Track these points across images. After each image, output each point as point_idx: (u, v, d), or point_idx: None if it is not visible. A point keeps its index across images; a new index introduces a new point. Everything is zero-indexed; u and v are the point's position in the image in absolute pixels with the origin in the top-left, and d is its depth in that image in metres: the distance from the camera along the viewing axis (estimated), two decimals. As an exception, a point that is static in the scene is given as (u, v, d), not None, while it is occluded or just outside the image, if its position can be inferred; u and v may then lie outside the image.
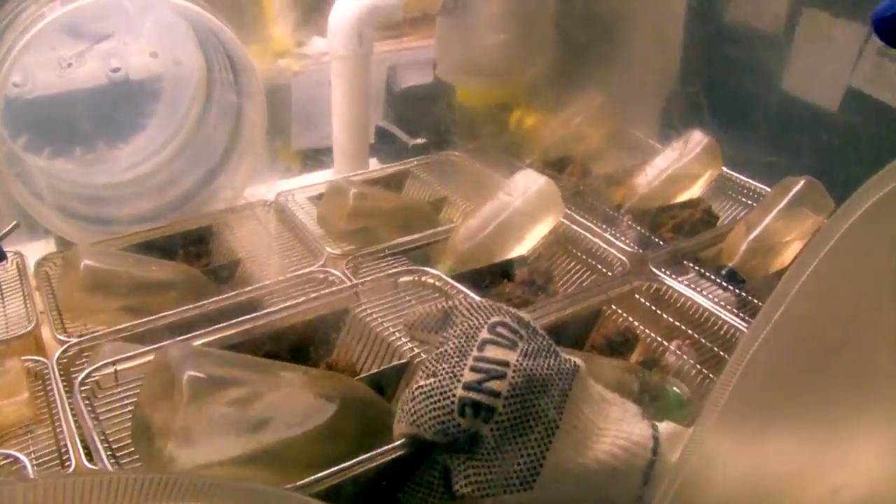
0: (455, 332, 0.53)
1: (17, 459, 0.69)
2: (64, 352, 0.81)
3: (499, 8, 1.38)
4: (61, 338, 0.83)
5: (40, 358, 0.81)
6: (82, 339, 0.83)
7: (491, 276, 1.04)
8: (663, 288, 0.97)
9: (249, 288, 0.93)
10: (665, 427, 0.57)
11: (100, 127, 1.21)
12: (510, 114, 1.44)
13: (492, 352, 0.52)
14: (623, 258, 1.02)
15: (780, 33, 1.31)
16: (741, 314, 0.92)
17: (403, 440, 0.53)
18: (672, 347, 0.91)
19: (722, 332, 0.91)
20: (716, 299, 0.94)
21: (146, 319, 0.85)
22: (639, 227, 1.11)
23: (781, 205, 1.08)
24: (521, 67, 1.39)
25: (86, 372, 0.68)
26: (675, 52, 1.43)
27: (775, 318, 0.46)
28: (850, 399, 0.49)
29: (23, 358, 0.80)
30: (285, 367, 0.64)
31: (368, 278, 0.81)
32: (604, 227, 1.09)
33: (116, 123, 1.23)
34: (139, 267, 0.90)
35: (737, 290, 0.98)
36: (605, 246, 1.05)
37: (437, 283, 0.80)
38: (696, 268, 1.01)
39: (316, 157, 1.58)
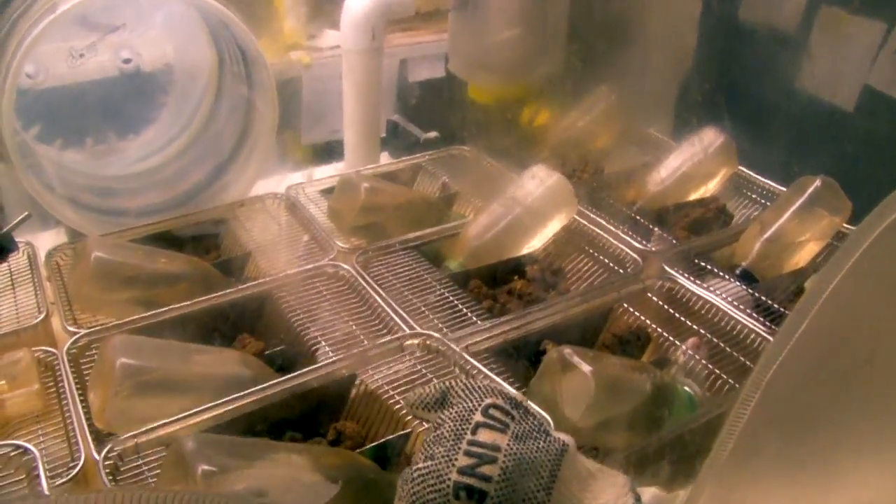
0: (451, 413, 0.57)
1: (27, 450, 0.69)
2: (74, 343, 0.81)
3: (511, 4, 1.37)
4: (71, 329, 0.83)
5: (50, 349, 0.81)
6: (92, 330, 0.83)
7: (502, 273, 1.03)
8: (676, 287, 0.96)
9: (260, 280, 0.92)
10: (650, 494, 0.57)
11: (111, 118, 1.21)
12: (522, 110, 1.43)
13: (484, 435, 0.55)
14: (636, 256, 1.01)
15: (796, 32, 1.30)
16: (754, 314, 0.91)
17: None
18: (687, 346, 0.90)
19: (735, 332, 0.90)
20: (729, 298, 0.94)
21: (156, 312, 0.85)
22: (652, 226, 1.10)
23: (796, 204, 1.07)
24: (534, 64, 1.38)
25: (108, 447, 0.68)
26: (690, 50, 1.42)
27: (791, 342, 0.45)
28: (874, 416, 0.48)
29: (33, 349, 0.80)
30: (291, 448, 0.68)
31: (377, 344, 0.82)
32: (616, 224, 1.08)
33: (127, 115, 1.23)
34: (149, 259, 0.90)
35: (750, 290, 0.97)
36: (617, 244, 1.04)
37: (440, 348, 0.80)
38: (709, 267, 1.00)
39: (326, 150, 1.58)
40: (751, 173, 1.24)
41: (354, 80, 1.25)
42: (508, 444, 0.54)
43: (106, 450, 0.68)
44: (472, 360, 0.78)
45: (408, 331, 0.85)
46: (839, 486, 0.50)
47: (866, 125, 1.31)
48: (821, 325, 0.46)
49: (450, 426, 0.56)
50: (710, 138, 1.23)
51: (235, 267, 1.00)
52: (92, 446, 0.69)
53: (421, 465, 0.54)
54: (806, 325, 0.46)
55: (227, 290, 0.90)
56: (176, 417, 0.71)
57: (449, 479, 0.53)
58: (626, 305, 0.96)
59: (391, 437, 0.73)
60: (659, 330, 0.93)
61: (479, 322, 0.89)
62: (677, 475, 0.77)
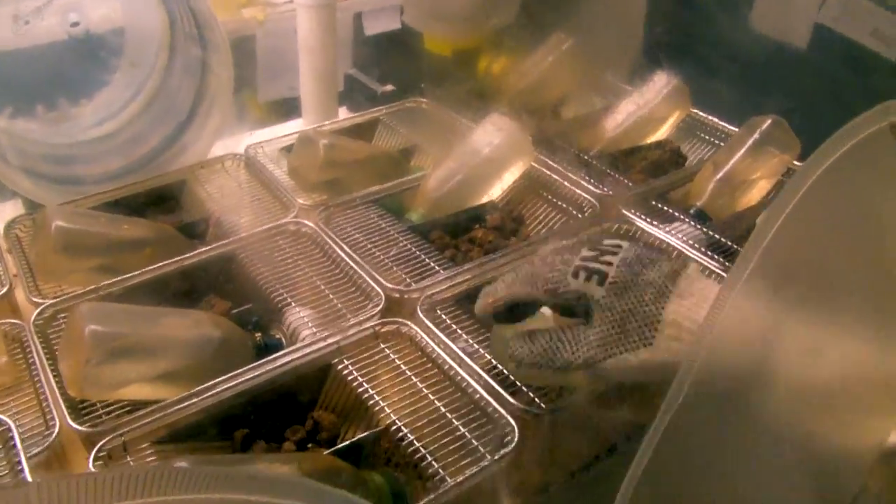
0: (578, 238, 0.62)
1: (0, 422, 0.70)
2: (40, 314, 0.82)
3: (464, -48, 1.37)
4: (36, 300, 0.84)
5: (16, 321, 0.82)
6: (58, 299, 0.84)
7: (463, 222, 1.05)
8: (633, 229, 0.99)
9: (223, 241, 0.93)
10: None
11: (61, 84, 1.19)
12: (478, 60, 1.43)
13: (608, 241, 0.59)
14: (593, 200, 1.03)
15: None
16: (709, 252, 0.94)
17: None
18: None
19: (691, 271, 0.93)
20: (685, 238, 0.96)
21: (122, 278, 0.86)
22: (608, 170, 1.12)
23: (748, 144, 1.09)
24: (489, 12, 1.38)
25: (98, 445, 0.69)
26: (642, -8, 1.43)
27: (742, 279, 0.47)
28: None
29: (-1, 321, 0.80)
30: (273, 458, 0.71)
31: (350, 333, 0.81)
32: (574, 170, 1.09)
33: (78, 80, 1.20)
34: (111, 226, 0.90)
35: (704, 229, 1.00)
36: (575, 189, 1.06)
37: (415, 336, 0.81)
38: (665, 208, 1.03)
39: (284, 107, 1.57)
40: (704, 115, 1.26)
41: (309, 36, 1.25)
42: (629, 245, 0.57)
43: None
44: (444, 353, 0.79)
45: (373, 284, 0.87)
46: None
47: (817, 63, 1.33)
48: (768, 262, 0.49)
49: (576, 240, 0.60)
50: (663, 82, 1.25)
51: (198, 229, 1.00)
52: (67, 414, 0.71)
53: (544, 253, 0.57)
54: (755, 262, 0.48)
55: (192, 253, 0.90)
56: (154, 407, 0.72)
57: (570, 263, 0.55)
58: (585, 250, 0.98)
59: (364, 435, 0.75)
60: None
61: (441, 271, 0.91)
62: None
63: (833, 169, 0.52)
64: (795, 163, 1.11)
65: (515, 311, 0.67)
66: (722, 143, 1.21)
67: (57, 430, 0.70)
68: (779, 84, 1.34)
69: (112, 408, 0.74)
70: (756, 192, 1.09)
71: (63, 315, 0.82)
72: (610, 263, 0.55)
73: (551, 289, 0.56)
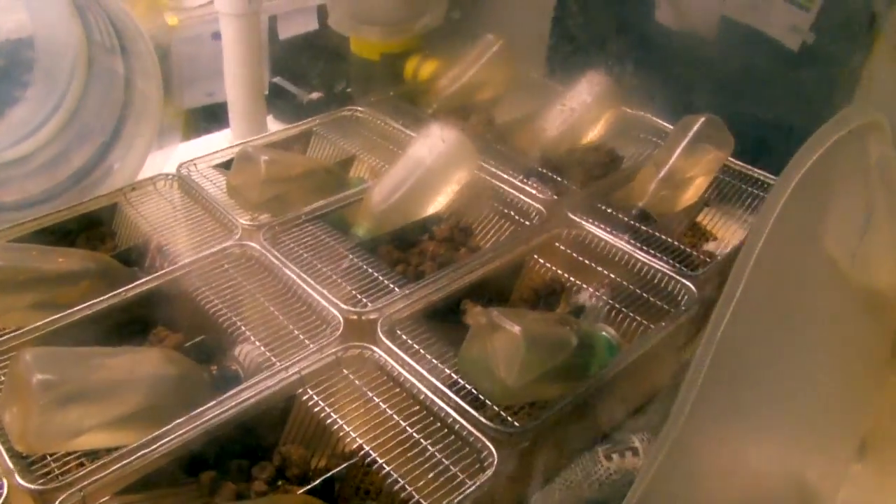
0: None
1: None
2: (-24, 358, 0.76)
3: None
4: (-31, 344, 0.78)
5: (-52, 367, 0.76)
6: (-7, 342, 0.78)
7: (410, 235, 1.03)
8: (582, 234, 0.99)
9: (166, 269, 0.89)
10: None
11: (-34, 102, 1.11)
12: (406, 63, 1.41)
13: None
14: (540, 207, 1.03)
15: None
16: (657, 253, 0.95)
17: None
18: (588, 295, 0.94)
19: (642, 273, 0.94)
20: (630, 239, 0.97)
21: (62, 315, 0.81)
22: (550, 173, 1.12)
23: (684, 143, 1.11)
24: (417, 15, 1.36)
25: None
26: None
27: (737, 295, 0.47)
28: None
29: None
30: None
31: (312, 362, 0.78)
32: (516, 175, 1.09)
33: (-14, 96, 1.13)
34: (44, 258, 0.84)
35: (649, 230, 1.01)
36: (520, 195, 1.05)
37: (379, 360, 0.79)
38: (609, 210, 1.04)
39: (205, 116, 1.52)
40: (632, 112, 1.27)
41: (234, 47, 1.20)
42: None
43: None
44: (410, 376, 0.77)
45: (329, 307, 0.84)
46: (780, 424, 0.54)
47: (728, 55, 1.37)
48: (753, 287, 0.49)
49: None
50: (594, 81, 1.26)
51: (136, 256, 0.95)
52: (15, 472, 0.66)
53: None
54: (742, 287, 0.49)
55: (135, 283, 0.86)
56: (113, 456, 0.68)
57: None
58: (536, 257, 0.98)
59: (337, 469, 0.73)
60: (571, 278, 0.96)
61: (397, 290, 0.89)
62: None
63: (802, 183, 0.53)
64: (730, 159, 1.13)
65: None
66: (654, 139, 1.22)
67: (5, 491, 0.65)
68: (695, 77, 1.36)
69: (66, 460, 0.69)
70: (693, 190, 1.11)
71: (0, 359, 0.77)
72: None
73: None
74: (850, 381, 0.64)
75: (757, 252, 0.50)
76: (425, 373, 0.77)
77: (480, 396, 0.76)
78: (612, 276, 0.95)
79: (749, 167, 1.14)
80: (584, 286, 0.95)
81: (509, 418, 0.74)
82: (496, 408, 0.75)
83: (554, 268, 0.97)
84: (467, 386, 0.77)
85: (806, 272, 0.56)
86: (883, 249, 0.65)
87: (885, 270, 0.66)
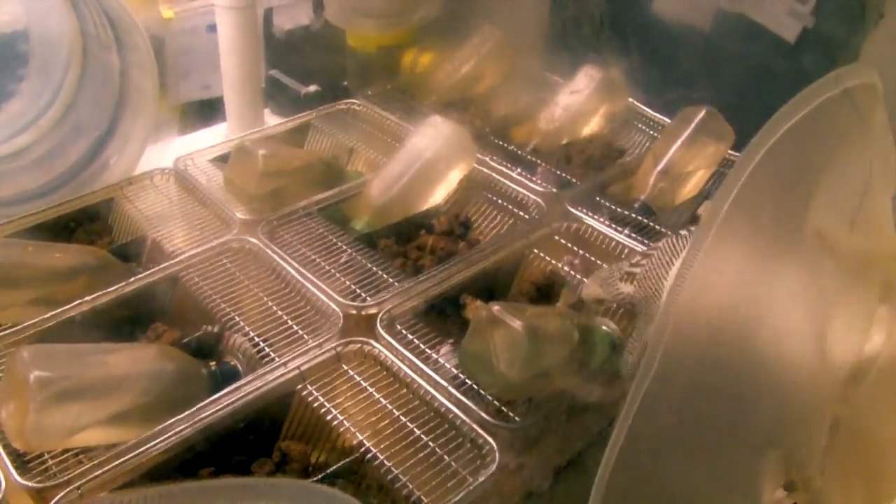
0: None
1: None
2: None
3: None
4: (-33, 341, 0.77)
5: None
6: (-8, 338, 0.77)
7: (409, 229, 1.02)
8: (582, 227, 0.98)
9: (164, 265, 0.88)
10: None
11: (-40, 96, 1.10)
12: (403, 56, 1.40)
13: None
14: (538, 200, 1.02)
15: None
16: (657, 245, 0.94)
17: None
18: (562, 264, 0.95)
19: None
20: (631, 233, 0.97)
21: (59, 311, 0.80)
22: (549, 166, 1.11)
23: (684, 136, 1.10)
24: (414, 7, 1.35)
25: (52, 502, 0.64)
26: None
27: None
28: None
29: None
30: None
31: (311, 357, 0.78)
32: (515, 168, 1.08)
33: (-20, 90, 1.12)
34: (41, 254, 0.84)
35: (650, 223, 1.00)
36: (519, 188, 1.05)
37: (379, 355, 0.79)
38: (609, 204, 1.03)
39: (200, 108, 1.50)
40: (632, 104, 1.26)
41: (231, 40, 1.19)
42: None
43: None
44: (411, 371, 0.76)
45: (328, 302, 0.84)
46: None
47: (727, 46, 1.36)
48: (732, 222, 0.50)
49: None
50: (593, 73, 1.25)
51: (133, 251, 0.95)
52: (13, 470, 0.65)
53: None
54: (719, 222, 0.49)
55: (132, 279, 0.85)
56: (110, 453, 0.67)
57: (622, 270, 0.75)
58: (536, 251, 0.97)
59: (338, 465, 0.72)
60: (571, 272, 0.95)
61: (396, 284, 0.88)
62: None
63: (789, 135, 0.52)
64: (731, 152, 1.13)
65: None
66: (652, 132, 1.22)
67: (3, 488, 0.65)
68: (693, 69, 1.36)
69: (63, 458, 0.69)
70: (694, 184, 1.11)
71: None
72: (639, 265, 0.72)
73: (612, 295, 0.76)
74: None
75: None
76: (425, 368, 0.77)
77: (481, 391, 0.76)
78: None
79: (749, 160, 1.13)
80: (584, 279, 0.94)
81: (510, 413, 0.74)
82: (497, 402, 0.75)
83: (553, 261, 0.96)
84: (468, 381, 0.77)
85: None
86: (881, 216, 0.64)
87: (885, 237, 0.65)
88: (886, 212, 0.65)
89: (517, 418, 0.73)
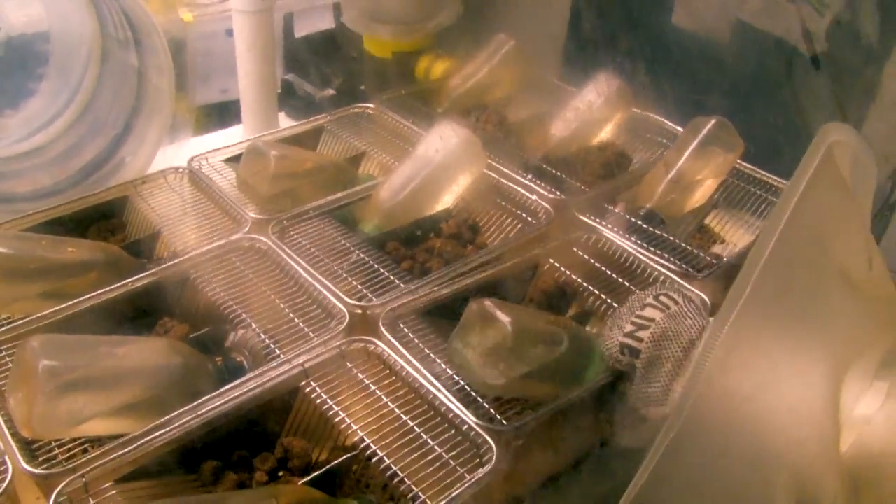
0: (631, 300, 0.79)
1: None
2: (-16, 345, 0.77)
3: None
4: (-22, 330, 0.79)
5: (-42, 353, 0.77)
6: (1, 330, 0.79)
7: (418, 232, 1.03)
8: (602, 240, 0.98)
9: (175, 261, 0.89)
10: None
11: (-18, 94, 1.12)
12: (419, 62, 1.41)
13: (648, 312, 0.76)
14: (547, 206, 1.03)
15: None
16: (665, 255, 0.95)
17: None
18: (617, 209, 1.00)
19: (641, 271, 0.94)
20: (637, 240, 0.97)
21: (70, 304, 0.82)
22: (559, 173, 1.12)
23: (693, 145, 1.10)
24: (431, 14, 1.36)
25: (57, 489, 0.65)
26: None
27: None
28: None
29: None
30: (234, 496, 0.70)
31: (316, 354, 0.79)
32: (525, 174, 1.09)
33: (2, 89, 1.14)
34: (54, 248, 0.85)
35: (658, 231, 1.01)
36: (528, 194, 1.05)
37: (382, 354, 0.79)
38: (618, 211, 1.04)
39: (219, 112, 1.52)
40: (645, 113, 1.27)
41: (247, 43, 1.21)
42: (661, 319, 0.75)
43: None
44: (413, 371, 0.77)
45: (335, 301, 0.85)
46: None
47: (743, 59, 1.36)
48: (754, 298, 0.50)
49: (627, 305, 0.79)
50: (605, 82, 1.26)
51: (145, 248, 0.96)
52: (20, 457, 0.67)
53: (606, 332, 0.78)
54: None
55: (142, 274, 0.86)
56: (115, 443, 0.68)
57: (617, 340, 0.76)
58: (552, 261, 0.97)
59: (338, 461, 0.73)
60: (583, 283, 0.95)
61: (402, 285, 0.89)
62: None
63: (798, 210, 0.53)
64: (739, 161, 1.13)
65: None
66: (664, 140, 1.22)
67: (10, 475, 0.66)
68: (707, 80, 1.36)
69: (69, 446, 0.70)
70: (702, 192, 1.11)
71: (7, 347, 0.78)
72: (641, 340, 0.75)
73: (612, 362, 0.78)
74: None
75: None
76: (426, 369, 0.77)
77: (470, 389, 0.76)
78: (625, 283, 0.94)
79: (758, 170, 1.13)
80: (595, 291, 0.94)
81: (509, 412, 0.75)
82: (490, 407, 0.75)
83: (567, 272, 0.96)
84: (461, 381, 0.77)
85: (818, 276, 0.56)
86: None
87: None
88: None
89: (515, 419, 0.74)
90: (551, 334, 0.79)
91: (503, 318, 0.74)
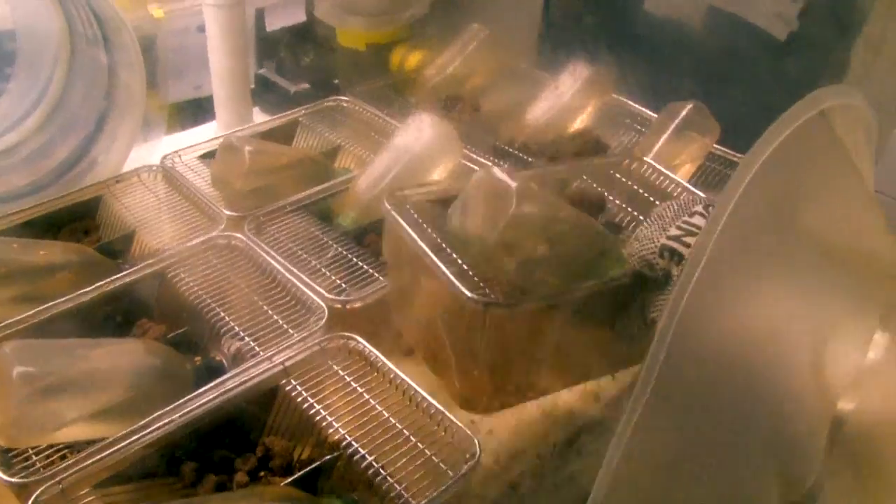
0: (678, 202, 0.74)
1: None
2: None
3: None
4: (-50, 338, 0.77)
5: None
6: (-25, 336, 0.78)
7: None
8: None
9: (150, 261, 0.88)
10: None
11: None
12: (392, 53, 1.40)
13: (697, 220, 0.71)
14: (525, 196, 1.03)
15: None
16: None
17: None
18: None
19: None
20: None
21: (43, 307, 0.80)
22: (535, 162, 1.11)
23: (670, 129, 1.10)
24: (402, 4, 1.35)
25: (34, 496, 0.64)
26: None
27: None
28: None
29: None
30: (216, 499, 0.69)
31: (296, 352, 0.78)
32: (501, 164, 1.09)
33: (-33, 89, 1.12)
34: (25, 251, 0.84)
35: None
36: (505, 184, 1.05)
37: (363, 350, 0.79)
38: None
39: (191, 109, 1.50)
40: (621, 100, 1.26)
41: (219, 38, 1.19)
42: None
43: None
44: (392, 366, 0.77)
45: (313, 297, 0.84)
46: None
47: (715, 43, 1.37)
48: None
49: (674, 208, 0.73)
50: (581, 69, 1.25)
51: (120, 248, 0.95)
52: (-4, 465, 0.66)
53: (643, 228, 0.72)
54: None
55: (118, 275, 0.85)
56: (93, 448, 0.67)
57: (659, 242, 0.70)
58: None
59: (321, 461, 0.72)
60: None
61: (381, 279, 0.89)
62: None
63: (770, 161, 0.53)
64: (716, 146, 1.13)
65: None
66: (639, 127, 1.22)
67: None
68: (681, 65, 1.36)
69: (48, 453, 0.69)
70: (680, 177, 1.11)
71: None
72: (688, 245, 0.68)
73: (645, 264, 0.72)
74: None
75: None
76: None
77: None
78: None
79: (734, 154, 1.14)
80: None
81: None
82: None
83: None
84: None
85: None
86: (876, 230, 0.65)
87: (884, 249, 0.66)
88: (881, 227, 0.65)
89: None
90: (562, 214, 0.77)
91: (510, 182, 0.72)
